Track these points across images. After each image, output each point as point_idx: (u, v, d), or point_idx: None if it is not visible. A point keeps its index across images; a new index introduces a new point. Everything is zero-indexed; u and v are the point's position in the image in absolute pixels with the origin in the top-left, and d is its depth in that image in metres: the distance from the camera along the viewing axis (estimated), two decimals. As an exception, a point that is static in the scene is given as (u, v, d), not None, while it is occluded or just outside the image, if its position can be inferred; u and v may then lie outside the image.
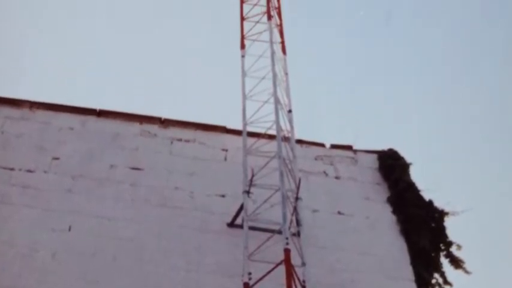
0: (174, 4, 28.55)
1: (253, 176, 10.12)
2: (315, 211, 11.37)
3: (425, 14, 27.92)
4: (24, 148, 11.59)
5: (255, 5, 12.87)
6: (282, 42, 12.61)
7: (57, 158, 11.47)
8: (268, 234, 9.70)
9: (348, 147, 12.70)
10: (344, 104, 27.32)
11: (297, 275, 9.03)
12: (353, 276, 10.65)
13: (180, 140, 12.14)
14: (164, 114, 12.51)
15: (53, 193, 10.93)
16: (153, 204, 11.03)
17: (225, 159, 12.02)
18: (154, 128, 12.24)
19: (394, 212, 11.66)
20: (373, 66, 28.03)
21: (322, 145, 12.71)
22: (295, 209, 10.01)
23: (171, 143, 12.08)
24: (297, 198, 10.11)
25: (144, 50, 27.91)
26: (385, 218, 11.60)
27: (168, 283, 10.08)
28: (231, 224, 10.74)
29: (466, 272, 11.21)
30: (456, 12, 27.42)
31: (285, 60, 12.29)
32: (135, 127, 12.20)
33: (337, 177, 12.14)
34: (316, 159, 12.37)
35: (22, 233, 10.32)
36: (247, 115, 11.16)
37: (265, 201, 9.95)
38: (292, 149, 10.91)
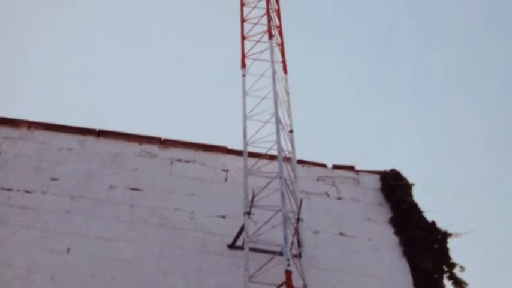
0: (175, 23, 28.79)
1: (254, 196, 10.19)
2: (316, 232, 11.45)
3: (427, 33, 28.09)
4: (22, 168, 11.67)
5: (256, 23, 13.01)
6: (283, 62, 12.71)
7: (55, 179, 11.56)
8: (269, 256, 9.80)
9: (350, 168, 12.78)
10: (346, 124, 27.40)
11: (298, 297, 9.10)
12: (355, 299, 10.73)
13: (180, 160, 12.23)
14: (164, 135, 12.63)
15: (52, 214, 11.02)
16: (153, 225, 11.11)
17: (226, 179, 12.10)
18: (154, 149, 12.35)
19: (397, 233, 11.73)
20: (375, 86, 28.13)
21: (324, 165, 12.80)
22: (296, 230, 10.09)
23: (171, 163, 12.17)
24: (298, 219, 10.19)
25: (143, 69, 28.07)
26: (388, 239, 11.68)
27: (168, 305, 10.16)
28: (232, 246, 10.82)
29: (470, 294, 11.24)
30: (458, 31, 27.61)
31: (286, 79, 12.42)
32: (135, 147, 12.30)
33: (339, 198, 12.23)
34: (317, 179, 12.45)
35: (20, 254, 10.40)
36: (248, 135, 11.27)
37: (266, 222, 10.05)
38: (293, 170, 11.05)
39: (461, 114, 26.90)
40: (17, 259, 10.32)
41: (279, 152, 10.64)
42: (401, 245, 11.58)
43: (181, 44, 28.22)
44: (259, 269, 9.52)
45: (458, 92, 27.57)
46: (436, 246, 11.59)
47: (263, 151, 11.01)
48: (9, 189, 11.26)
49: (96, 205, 11.24)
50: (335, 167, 12.79)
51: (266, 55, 12.24)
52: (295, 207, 10.29)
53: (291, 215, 10.07)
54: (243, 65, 12.43)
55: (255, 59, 12.44)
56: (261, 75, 11.91)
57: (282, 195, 10.00)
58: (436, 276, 11.36)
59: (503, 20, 27.20)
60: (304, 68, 25.15)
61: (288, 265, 9.09)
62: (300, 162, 12.14)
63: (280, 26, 13.22)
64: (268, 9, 13.09)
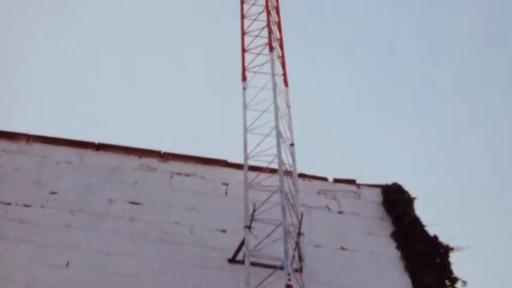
0: (174, 35, 28.87)
1: (254, 210, 10.26)
2: (317, 246, 11.52)
3: (428, 45, 28.23)
4: (21, 182, 11.75)
5: (257, 36, 13.07)
6: (284, 74, 12.76)
7: (54, 193, 11.63)
8: (270, 270, 9.86)
9: (351, 182, 12.85)
10: (347, 138, 27.50)
11: (299, 312, 9.17)
12: (356, 313, 10.80)
13: (180, 174, 12.30)
14: (164, 148, 12.74)
15: (51, 228, 11.08)
16: (152, 240, 11.18)
17: (226, 193, 12.18)
18: (153, 162, 12.43)
19: (398, 247, 11.80)
20: (376, 99, 28.26)
21: (325, 179, 12.87)
22: (297, 244, 10.15)
23: (171, 177, 12.25)
24: (299, 233, 10.25)
25: (143, 82, 28.16)
26: (389, 254, 11.75)
27: (168, 320, 10.23)
28: (232, 260, 10.88)
29: (472, 308, 11.28)
30: (460, 43, 27.73)
31: (287, 92, 12.48)
32: (135, 161, 12.38)
33: (340, 212, 12.29)
34: (318, 193, 12.52)
35: (19, 269, 10.45)
36: (249, 149, 11.33)
37: (266, 236, 10.12)
38: (294, 183, 11.09)
39: (463, 127, 27.02)
40: (16, 274, 10.37)
41: (279, 165, 10.70)
42: (403, 259, 11.64)
43: (182, 57, 28.38)
44: (260, 283, 9.57)
45: (460, 104, 27.69)
46: (438, 260, 11.64)
47: (264, 164, 11.07)
48: (8, 203, 11.33)
49: (96, 219, 11.31)
50: (336, 180, 12.86)
51: (267, 68, 12.31)
52: (296, 221, 10.35)
53: (291, 229, 10.12)
54: (244, 78, 12.48)
55: (255, 72, 12.50)
56: (262, 88, 11.98)
57: (283, 209, 10.06)
58: (438, 290, 11.42)
59: (506, 32, 27.33)
60: (305, 81, 25.25)
61: (289, 279, 9.17)
62: (301, 175, 12.20)
63: (281, 39, 13.28)
64: (268, 21, 13.14)
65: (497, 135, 26.73)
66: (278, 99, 11.70)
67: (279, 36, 13.29)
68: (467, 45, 27.90)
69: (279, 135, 11.09)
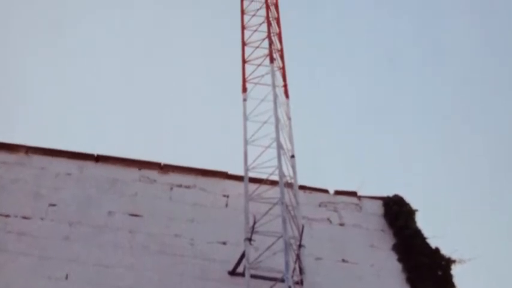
0: (175, 46, 28.94)
1: (255, 222, 10.32)
2: (318, 259, 11.55)
3: (429, 57, 28.33)
4: (20, 194, 11.81)
5: (257, 47, 13.13)
6: (285, 86, 12.80)
7: (54, 205, 11.69)
8: (270, 283, 9.94)
9: (352, 194, 12.91)
10: (348, 150, 27.53)
11: (300, 324, 9.21)
12: (357, 326, 10.85)
13: (180, 186, 12.36)
14: (164, 160, 12.82)
15: (50, 240, 11.13)
16: (152, 252, 11.23)
17: (226, 205, 12.23)
18: (153, 174, 12.49)
19: (400, 259, 11.84)
20: (377, 110, 28.32)
21: (326, 191, 12.92)
22: (298, 256, 10.21)
23: (171, 189, 12.31)
24: (300, 246, 10.32)
25: (143, 93, 28.21)
26: (391, 266, 11.79)
27: (167, 333, 10.27)
28: (233, 272, 10.92)
29: (475, 322, 11.32)
30: (461, 52, 27.83)
31: (287, 104, 12.53)
32: (134, 173, 12.45)
33: (341, 224, 12.34)
34: (319, 205, 12.57)
35: (18, 281, 10.49)
36: (249, 160, 11.39)
37: (267, 248, 10.17)
38: (295, 195, 11.14)
39: (465, 138, 27.08)
40: (15, 286, 10.42)
41: (280, 177, 10.78)
42: (404, 271, 11.67)
43: (182, 68, 28.44)
44: (261, 296, 9.62)
45: (462, 116, 27.75)
46: (439, 273, 11.66)
47: (264, 176, 11.15)
48: (7, 216, 11.38)
49: (95, 231, 11.37)
50: (337, 192, 12.91)
51: (267, 79, 12.37)
52: (296, 234, 10.42)
53: (292, 241, 10.19)
54: (244, 89, 12.53)
55: (256, 83, 12.56)
56: (262, 100, 12.04)
57: (284, 221, 10.13)
58: (440, 303, 11.45)
59: (507, 41, 27.43)
60: (306, 93, 25.31)
61: (290, 292, 9.21)
62: (302, 187, 12.24)
63: (281, 50, 13.34)
64: (269, 32, 13.20)
65: (499, 146, 26.77)
66: (279, 110, 11.76)
67: (279, 47, 13.35)
68: (468, 55, 28.03)
69: (279, 147, 11.15)
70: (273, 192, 10.77)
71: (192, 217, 11.86)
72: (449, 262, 11.73)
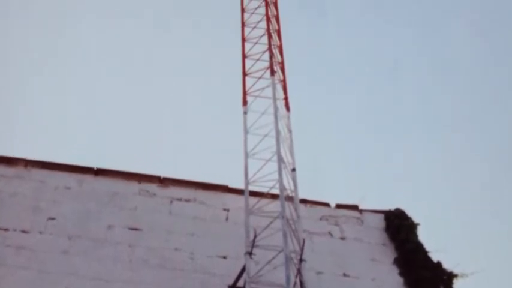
0: (175, 58, 29.01)
1: (255, 236, 10.40)
2: (319, 273, 11.62)
3: (432, 71, 28.40)
4: (19, 208, 11.86)
5: (258, 60, 13.18)
6: (286, 99, 12.84)
7: (53, 218, 11.75)
8: (271, 297, 9.94)
9: (354, 207, 12.97)
10: (349, 163, 27.59)
11: None
12: None
13: (180, 199, 12.42)
14: (163, 173, 12.90)
15: (49, 254, 11.18)
16: (152, 266, 11.28)
17: (227, 219, 12.30)
18: (153, 187, 12.57)
19: (402, 273, 11.90)
20: (379, 123, 28.38)
21: (327, 205, 12.98)
22: (299, 270, 10.24)
23: (171, 202, 12.37)
24: (301, 260, 10.36)
25: (143, 106, 28.28)
26: (392, 280, 11.87)
27: None
28: (233, 286, 10.89)
29: (477, 337, 11.36)
30: (465, 70, 27.92)
31: (288, 117, 12.57)
32: (134, 186, 12.51)
33: (342, 238, 12.39)
34: (320, 219, 12.62)
35: (17, 296, 10.53)
36: (250, 174, 11.43)
37: (268, 262, 10.24)
38: (296, 209, 11.17)
39: (468, 152, 27.13)
40: (14, 300, 10.45)
41: (281, 191, 10.82)
42: (406, 285, 11.74)
43: (182, 81, 28.49)
44: (261, 310, 9.66)
45: (464, 130, 27.82)
46: (441, 287, 11.70)
47: (265, 190, 11.20)
48: (6, 229, 11.43)
49: (94, 245, 11.43)
50: (338, 206, 12.97)
51: (268, 92, 12.42)
52: (297, 248, 10.47)
53: (293, 255, 10.24)
54: (245, 102, 12.58)
55: (256, 96, 12.61)
56: (263, 113, 12.11)
57: (284, 235, 10.18)
58: (442, 318, 11.49)
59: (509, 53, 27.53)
60: (307, 106, 25.36)
61: (291, 306, 9.26)
62: (303, 201, 12.30)
63: (282, 62, 13.38)
64: (270, 45, 13.26)
65: (502, 159, 26.84)
66: (279, 123, 11.81)
67: (280, 60, 13.39)
68: (470, 72, 28.13)
69: (280, 160, 11.20)
70: (274, 205, 10.84)
71: (192, 231, 11.92)
72: (451, 276, 11.77)
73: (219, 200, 12.56)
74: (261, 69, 12.92)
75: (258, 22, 13.73)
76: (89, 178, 12.55)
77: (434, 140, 27.75)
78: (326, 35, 28.24)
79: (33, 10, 27.84)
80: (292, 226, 10.70)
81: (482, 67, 28.17)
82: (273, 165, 11.20)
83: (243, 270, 10.40)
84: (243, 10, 14.14)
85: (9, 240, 11.27)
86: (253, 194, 11.31)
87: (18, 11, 27.08)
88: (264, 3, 13.93)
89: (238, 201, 11.99)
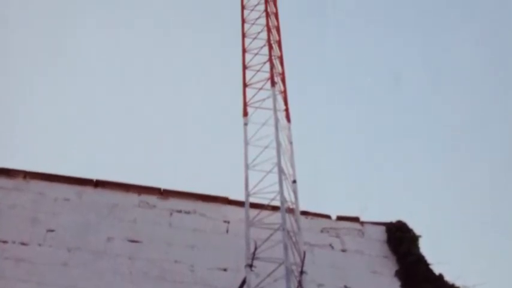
0: (174, 69, 29.07)
1: (256, 249, 10.44)
2: (320, 285, 11.65)
3: (434, 82, 28.45)
4: (17, 220, 11.88)
5: (258, 70, 13.20)
6: (286, 110, 12.85)
7: (52, 230, 11.78)
8: (272, 310, 9.97)
9: (355, 219, 12.98)
10: (351, 174, 27.58)
11: None
12: None
13: (180, 211, 12.45)
14: (163, 185, 12.90)
15: (48, 267, 11.22)
16: (152, 278, 11.33)
17: (227, 231, 12.32)
18: (153, 199, 12.58)
19: (403, 286, 11.92)
20: (380, 135, 28.43)
21: (328, 217, 12.99)
22: (300, 283, 10.26)
23: (171, 214, 12.40)
24: (301, 272, 10.38)
25: (142, 117, 28.32)
26: (394, 293, 11.83)
27: None
28: (234, 299, 10.96)
29: None
30: (467, 79, 27.97)
31: (289, 128, 12.58)
32: (134, 198, 12.54)
33: (343, 250, 12.41)
34: (321, 231, 12.64)
35: (16, 308, 10.57)
36: (250, 185, 11.47)
37: (268, 275, 10.28)
38: (296, 221, 11.20)
39: (469, 163, 27.17)
40: (13, 313, 10.49)
41: (281, 202, 10.86)
42: (407, 298, 11.73)
43: (182, 92, 28.52)
44: (262, 323, 9.68)
45: (467, 141, 27.85)
46: (443, 300, 11.73)
47: (265, 202, 11.24)
48: (5, 242, 11.47)
49: (94, 257, 11.46)
50: (339, 218, 12.98)
51: (268, 103, 12.45)
52: (298, 260, 10.49)
53: (294, 267, 10.27)
54: (245, 113, 12.60)
55: (257, 107, 12.65)
56: (264, 124, 12.14)
57: (285, 247, 10.21)
58: (443, 331, 11.50)
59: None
60: (308, 117, 25.39)
61: (291, 319, 9.29)
62: (304, 213, 12.31)
63: (283, 73, 13.40)
64: (270, 55, 13.29)
65: (504, 170, 26.86)
66: (280, 135, 11.84)
67: (281, 71, 13.41)
68: (472, 81, 28.19)
69: (281, 171, 11.23)
70: (275, 217, 10.84)
71: (192, 243, 11.95)
72: (453, 289, 11.80)
73: (219, 212, 12.58)
74: (262, 80, 12.94)
75: (259, 33, 13.77)
76: (88, 190, 12.56)
77: (436, 151, 27.80)
78: (327, 45, 28.27)
79: (31, 23, 28.00)
80: (293, 238, 10.72)
81: (484, 77, 28.23)
82: (274, 177, 11.24)
83: (244, 282, 10.42)
84: (243, 20, 14.20)
85: (8, 252, 11.31)
86: (254, 205, 11.32)
87: (15, 28, 27.19)
88: (264, 14, 13.98)
89: (238, 213, 12.01)
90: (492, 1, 27.90)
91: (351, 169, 27.85)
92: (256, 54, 13.52)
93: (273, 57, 13.30)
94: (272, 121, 12.03)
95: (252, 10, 14.18)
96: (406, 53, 29.32)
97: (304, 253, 10.59)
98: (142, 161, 26.03)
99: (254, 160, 11.68)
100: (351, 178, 26.90)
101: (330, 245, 12.45)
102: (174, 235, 12.05)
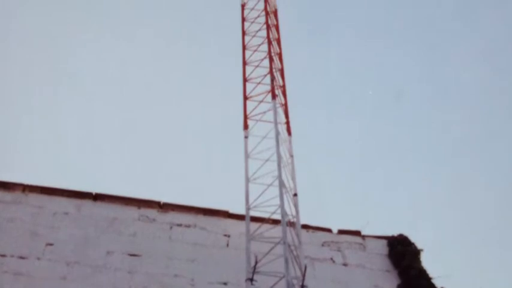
0: (175, 82, 29.14)
1: (256, 262, 10.42)
2: (321, 300, 11.61)
3: (438, 98, 28.53)
4: (16, 233, 11.90)
5: (259, 83, 13.25)
6: (287, 123, 12.90)
7: (51, 244, 11.79)
8: (272, 324, 9.98)
9: (356, 233, 13.02)
10: (352, 188, 27.65)
11: None
12: None
13: (180, 225, 12.48)
14: (163, 198, 12.98)
15: (47, 281, 11.22)
16: (152, 293, 11.29)
17: (227, 245, 12.36)
18: (153, 213, 12.63)
19: (405, 300, 11.90)
20: (382, 148, 28.49)
21: (329, 230, 13.04)
22: (300, 297, 10.26)
23: (171, 228, 12.43)
24: (302, 287, 10.37)
25: (142, 130, 28.37)
26: (396, 307, 11.85)
27: None
28: (234, 313, 10.99)
29: None
30: (468, 93, 28.03)
31: (290, 141, 12.61)
32: (133, 211, 12.58)
33: (344, 264, 12.43)
34: (322, 245, 12.67)
35: (15, 323, 10.58)
36: (251, 199, 11.50)
37: (269, 289, 10.23)
38: (297, 235, 11.21)
39: (471, 177, 27.20)
40: (12, 327, 10.50)
41: (282, 216, 10.88)
42: (409, 312, 11.75)
43: (182, 105, 28.59)
44: (263, 337, 9.70)
45: (468, 155, 27.89)
46: (445, 313, 11.75)
47: (266, 215, 11.25)
48: (3, 255, 11.47)
49: (93, 271, 11.47)
50: (341, 232, 13.02)
51: (269, 116, 12.50)
52: (299, 274, 10.50)
53: (295, 281, 10.28)
54: (246, 126, 12.65)
55: (257, 120, 12.69)
56: (264, 137, 12.18)
57: (286, 261, 10.24)
58: None
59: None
60: (309, 130, 25.45)
61: (292, 333, 9.31)
62: (305, 226, 12.37)
63: (283, 86, 13.45)
64: (271, 68, 13.32)
65: (505, 185, 26.90)
66: (281, 148, 11.88)
67: (281, 84, 13.46)
68: (474, 99, 28.27)
69: (281, 185, 11.27)
70: (275, 231, 10.87)
71: (192, 257, 11.98)
72: (454, 302, 11.81)
73: (220, 226, 12.63)
74: (262, 93, 12.98)
75: (260, 45, 13.82)
76: (87, 203, 12.60)
77: (438, 165, 27.85)
78: (329, 58, 28.37)
79: (31, 38, 28.08)
80: (294, 252, 10.75)
81: (487, 92, 28.30)
82: (275, 190, 11.27)
83: (244, 296, 10.47)
84: (243, 32, 14.25)
85: (7, 266, 11.30)
86: (255, 219, 11.36)
87: (16, 44, 27.30)
88: (265, 26, 14.02)
89: (239, 226, 12.07)
90: (494, 16, 27.99)
91: (352, 182, 27.92)
92: (256, 66, 13.58)
93: (273, 70, 13.33)
94: (273, 134, 12.07)
95: (253, 22, 14.23)
96: (407, 67, 29.41)
97: (305, 267, 10.59)
98: (142, 174, 26.08)
99: (255, 173, 11.73)
100: (352, 192, 26.97)
101: (331, 258, 12.48)
102: (174, 249, 12.08)
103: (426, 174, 27.88)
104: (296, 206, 11.58)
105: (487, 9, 28.07)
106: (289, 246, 10.53)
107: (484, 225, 26.25)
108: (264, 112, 12.65)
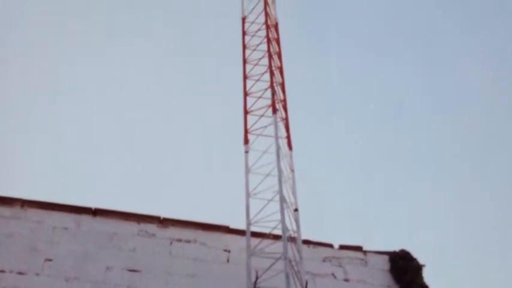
0: (174, 96, 29.18)
1: (257, 278, 10.50)
2: (323, 316, 11.63)
3: (437, 109, 28.59)
4: (15, 249, 11.90)
5: (260, 97, 13.28)
6: (288, 137, 12.90)
7: (50, 260, 11.81)
8: None
9: (358, 248, 13.03)
10: (353, 203, 27.65)
11: None
12: None
13: (180, 240, 12.50)
14: (163, 214, 12.98)
15: (46, 297, 11.21)
16: (151, 308, 11.30)
17: (228, 260, 12.37)
18: (153, 228, 12.65)
19: (407, 316, 11.91)
20: (383, 163, 28.50)
21: (331, 246, 13.05)
22: (302, 313, 10.27)
23: (171, 243, 12.45)
24: (303, 302, 10.39)
25: (142, 145, 28.39)
26: (397, 323, 11.86)
27: None
28: (234, 329, 11.00)
29: None
30: (469, 105, 28.09)
31: (290, 156, 12.62)
32: (133, 227, 12.59)
33: (346, 280, 12.44)
34: (324, 260, 12.68)
35: None
36: (251, 214, 11.54)
37: (270, 304, 10.25)
38: (298, 250, 11.25)
39: (473, 191, 27.23)
40: None
41: (283, 231, 10.92)
42: (411, 328, 11.76)
43: (182, 120, 28.63)
44: None
45: (469, 169, 27.93)
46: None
47: (267, 231, 11.28)
48: (2, 271, 11.49)
49: (93, 287, 11.46)
50: (342, 247, 13.03)
51: (270, 130, 12.52)
52: (300, 289, 10.49)
53: (296, 297, 10.27)
54: (246, 141, 12.66)
55: (258, 135, 12.71)
56: (265, 152, 12.22)
57: (287, 276, 10.26)
58: None
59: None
60: (310, 144, 25.48)
61: None
62: (306, 242, 12.38)
63: (284, 100, 13.48)
64: (272, 82, 13.34)
65: (507, 197, 26.93)
66: (282, 162, 11.91)
67: (282, 98, 13.47)
68: (475, 110, 28.33)
69: (282, 200, 11.30)
70: (276, 246, 10.90)
71: (192, 272, 11.99)
72: (457, 318, 11.86)
73: (220, 241, 12.63)
74: (263, 107, 13.01)
75: (260, 59, 13.85)
76: (87, 218, 12.60)
77: (439, 180, 27.87)
78: (329, 72, 28.44)
79: (30, 55, 28.17)
80: (295, 267, 10.78)
81: (487, 104, 28.36)
82: (275, 205, 11.30)
83: (245, 312, 10.49)
84: (244, 45, 14.28)
85: (5, 282, 11.32)
86: (255, 234, 11.39)
87: (14, 60, 27.38)
88: (265, 41, 14.06)
89: (239, 242, 12.07)
90: (494, 31, 28.11)
91: (353, 198, 27.93)
92: (257, 80, 13.60)
93: (274, 84, 13.35)
94: (273, 149, 12.10)
95: (253, 36, 14.26)
96: (408, 80, 29.47)
97: (306, 282, 10.63)
98: (142, 189, 26.09)
99: (255, 188, 11.78)
100: (353, 206, 26.97)
101: (333, 274, 12.49)
102: (174, 264, 12.09)
103: (428, 187, 27.92)
104: (297, 221, 11.60)
105: (487, 20, 28.20)
106: (290, 261, 10.56)
107: (486, 240, 26.28)
108: (265, 126, 12.68)
